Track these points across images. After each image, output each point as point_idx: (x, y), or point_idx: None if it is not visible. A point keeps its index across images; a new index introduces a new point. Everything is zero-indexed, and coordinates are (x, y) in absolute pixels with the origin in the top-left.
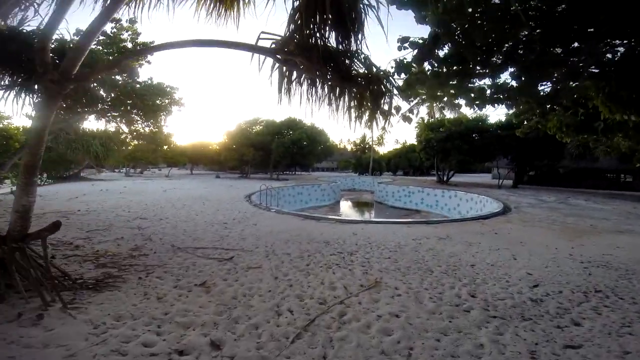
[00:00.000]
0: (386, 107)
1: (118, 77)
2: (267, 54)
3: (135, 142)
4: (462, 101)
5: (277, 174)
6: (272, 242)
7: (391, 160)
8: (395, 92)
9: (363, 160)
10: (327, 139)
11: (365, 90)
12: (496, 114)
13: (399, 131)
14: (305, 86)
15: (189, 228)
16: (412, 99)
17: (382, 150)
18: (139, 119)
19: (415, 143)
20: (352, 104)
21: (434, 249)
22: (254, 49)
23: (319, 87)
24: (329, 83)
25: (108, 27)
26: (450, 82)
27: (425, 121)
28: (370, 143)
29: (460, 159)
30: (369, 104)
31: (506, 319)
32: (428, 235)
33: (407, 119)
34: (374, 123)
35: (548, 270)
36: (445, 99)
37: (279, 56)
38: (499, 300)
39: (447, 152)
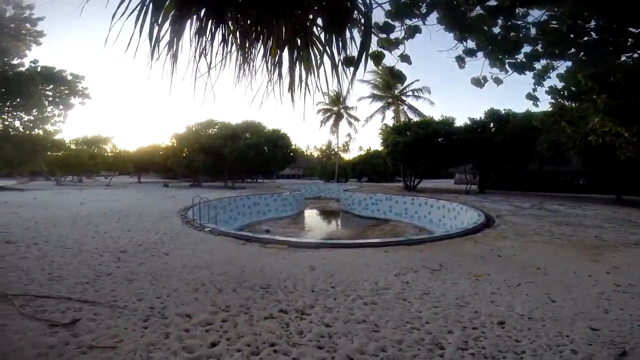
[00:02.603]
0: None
1: None
2: None
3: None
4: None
5: (233, 182)
6: (172, 289)
7: (356, 166)
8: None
9: (328, 167)
10: (289, 144)
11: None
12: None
13: (363, 137)
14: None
15: (61, 259)
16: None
17: (347, 156)
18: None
19: (380, 148)
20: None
21: (429, 292)
22: None
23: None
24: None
25: None
26: None
27: (392, 125)
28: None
29: (429, 164)
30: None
31: None
32: (414, 265)
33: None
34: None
35: (612, 318)
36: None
37: None
38: None
39: (414, 157)
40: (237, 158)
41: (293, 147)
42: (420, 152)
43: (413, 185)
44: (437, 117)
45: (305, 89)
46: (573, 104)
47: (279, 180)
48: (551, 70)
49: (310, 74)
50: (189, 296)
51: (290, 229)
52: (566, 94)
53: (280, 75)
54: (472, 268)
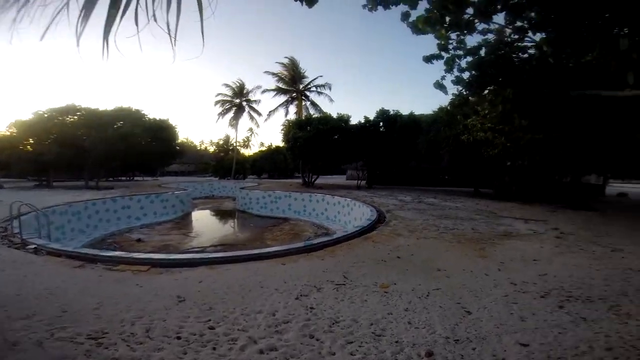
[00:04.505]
0: None
1: None
2: None
3: None
4: None
5: (97, 181)
6: None
7: (256, 162)
8: None
9: (225, 163)
10: (175, 136)
11: None
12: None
13: (265, 132)
14: None
15: None
16: None
17: (248, 152)
18: None
19: (282, 144)
20: None
21: (339, 320)
22: None
23: None
24: None
25: None
26: None
27: (294, 120)
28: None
29: (327, 160)
30: None
31: None
32: (317, 280)
33: None
34: None
35: (531, 328)
36: None
37: None
38: None
39: (314, 152)
40: (104, 151)
41: (181, 140)
42: (319, 147)
43: (311, 182)
44: (334, 114)
45: None
46: (476, 95)
47: (163, 178)
48: (458, 60)
49: None
50: None
51: (171, 236)
52: (473, 82)
53: None
54: (377, 277)
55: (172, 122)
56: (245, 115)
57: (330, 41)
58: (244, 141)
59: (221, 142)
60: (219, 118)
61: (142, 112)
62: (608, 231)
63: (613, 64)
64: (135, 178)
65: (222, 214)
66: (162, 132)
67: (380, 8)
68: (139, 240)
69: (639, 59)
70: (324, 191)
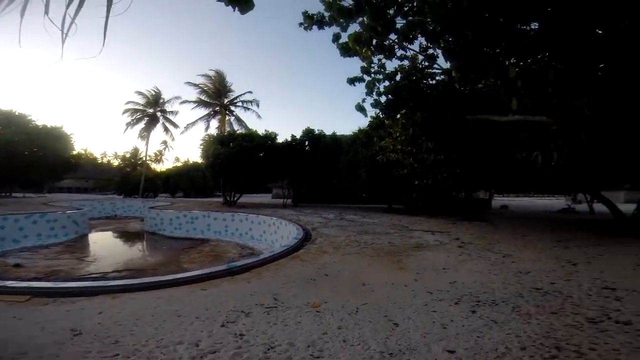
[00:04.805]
0: None
1: None
2: None
3: None
4: None
5: None
6: None
7: (170, 179)
8: None
9: (132, 179)
10: (70, 147)
11: None
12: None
13: (182, 146)
14: None
15: None
16: None
17: (160, 167)
18: None
19: (200, 160)
20: None
21: (275, 346)
22: None
23: None
24: None
25: None
26: None
27: (215, 135)
28: (144, 152)
29: (251, 178)
30: None
31: None
32: (245, 305)
33: None
34: None
35: (453, 334)
36: None
37: None
38: None
39: (236, 170)
40: None
41: (78, 151)
42: (242, 165)
43: (234, 201)
44: (262, 132)
45: None
46: (392, 118)
47: (53, 195)
48: (378, 84)
49: None
50: None
51: (62, 261)
52: (389, 106)
53: None
54: (308, 296)
55: (67, 130)
56: (159, 127)
57: (262, 59)
58: (156, 155)
59: (128, 156)
60: (127, 128)
61: (29, 117)
62: (498, 239)
63: (502, 90)
64: (14, 194)
65: (128, 236)
66: (53, 141)
67: (315, 28)
68: (17, 265)
69: (523, 87)
70: (248, 210)
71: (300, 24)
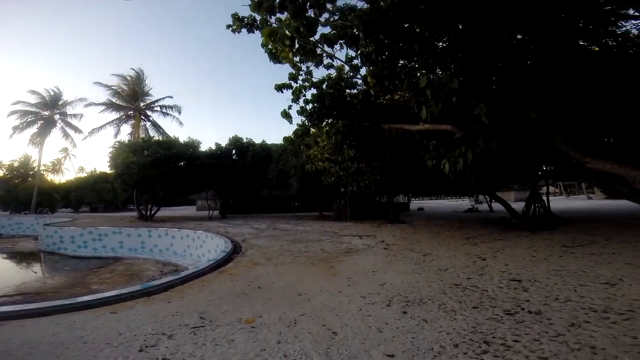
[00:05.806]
0: None
1: None
2: None
3: None
4: None
5: None
6: None
7: (72, 191)
8: None
9: (21, 192)
10: None
11: None
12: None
13: (86, 154)
14: None
15: None
16: None
17: (60, 179)
18: None
19: (109, 170)
20: None
21: None
22: None
23: None
24: None
25: None
26: None
27: (127, 141)
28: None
29: (169, 190)
30: None
31: None
32: (166, 327)
33: None
34: None
35: (389, 337)
36: None
37: None
38: None
39: (152, 181)
40: None
41: None
42: (159, 175)
43: (150, 215)
44: (183, 139)
45: None
46: (317, 126)
47: None
48: (304, 91)
49: None
50: None
51: None
52: (314, 114)
53: None
54: (241, 312)
55: None
56: (57, 132)
57: (187, 63)
58: (54, 164)
59: (16, 165)
60: (14, 133)
61: None
62: (417, 239)
63: (412, 99)
64: None
65: (19, 257)
66: None
67: (244, 31)
68: None
69: (432, 96)
70: (168, 224)
71: (229, 26)
